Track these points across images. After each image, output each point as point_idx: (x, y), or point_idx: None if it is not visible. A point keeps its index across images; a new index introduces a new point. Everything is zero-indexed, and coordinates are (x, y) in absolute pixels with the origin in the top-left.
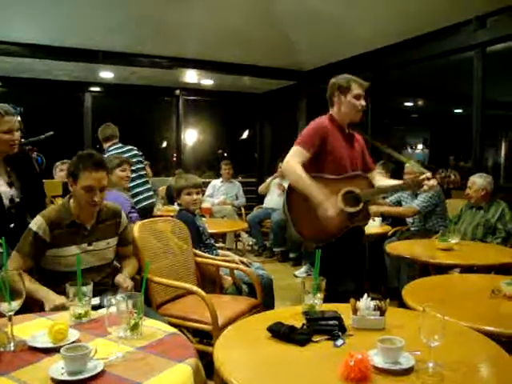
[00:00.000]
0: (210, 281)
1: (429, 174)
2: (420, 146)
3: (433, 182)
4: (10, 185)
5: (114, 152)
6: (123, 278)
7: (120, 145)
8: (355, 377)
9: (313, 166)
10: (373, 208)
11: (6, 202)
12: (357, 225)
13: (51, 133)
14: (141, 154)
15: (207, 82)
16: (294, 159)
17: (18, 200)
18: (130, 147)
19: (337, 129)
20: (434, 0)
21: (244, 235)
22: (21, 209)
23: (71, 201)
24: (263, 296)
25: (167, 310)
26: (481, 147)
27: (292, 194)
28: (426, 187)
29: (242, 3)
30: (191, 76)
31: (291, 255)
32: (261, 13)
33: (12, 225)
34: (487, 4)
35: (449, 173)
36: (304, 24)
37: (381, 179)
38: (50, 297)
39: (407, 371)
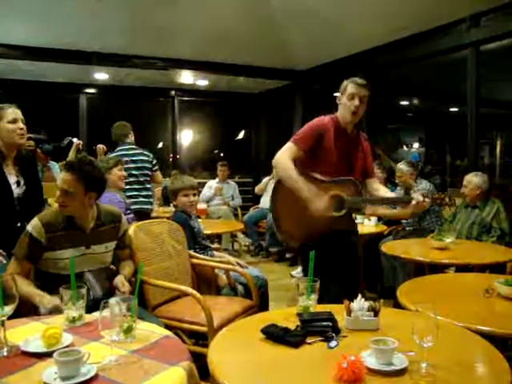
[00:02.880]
0: (205, 282)
1: (420, 198)
2: (416, 145)
3: (422, 198)
4: (18, 183)
5: (118, 154)
6: (122, 282)
7: (127, 147)
8: (348, 378)
9: (307, 164)
10: (369, 210)
11: (15, 201)
12: (336, 229)
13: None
14: (150, 160)
15: (202, 82)
16: (284, 154)
17: (22, 197)
18: (138, 152)
19: (337, 129)
20: None
21: (240, 236)
22: (25, 207)
23: None
24: (258, 298)
25: (163, 311)
26: (476, 145)
27: (276, 191)
28: (414, 202)
29: (235, 3)
30: (186, 77)
31: (287, 255)
32: (254, 13)
33: (19, 224)
34: (480, 2)
35: (444, 195)
36: (297, 24)
37: (377, 188)
38: (43, 300)
39: (400, 372)
